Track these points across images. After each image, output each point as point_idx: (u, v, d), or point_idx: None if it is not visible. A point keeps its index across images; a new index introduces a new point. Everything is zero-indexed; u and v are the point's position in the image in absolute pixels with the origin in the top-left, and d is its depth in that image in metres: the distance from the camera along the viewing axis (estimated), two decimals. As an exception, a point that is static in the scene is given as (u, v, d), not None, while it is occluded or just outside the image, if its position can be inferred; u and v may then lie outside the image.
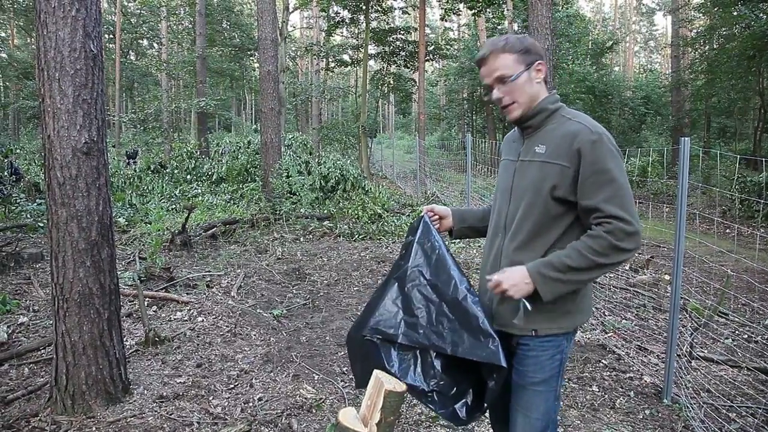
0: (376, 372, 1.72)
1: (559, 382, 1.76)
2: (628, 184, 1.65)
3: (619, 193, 1.61)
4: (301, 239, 7.96)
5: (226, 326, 4.37)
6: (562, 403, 3.26)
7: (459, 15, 23.56)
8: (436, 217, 2.01)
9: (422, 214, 1.97)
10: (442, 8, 19.76)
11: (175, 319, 4.54)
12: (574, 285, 1.63)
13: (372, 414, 1.66)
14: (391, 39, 20.45)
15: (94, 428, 2.87)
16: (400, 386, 1.66)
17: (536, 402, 1.73)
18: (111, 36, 22.56)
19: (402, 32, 20.84)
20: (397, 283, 1.82)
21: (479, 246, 7.38)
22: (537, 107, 1.74)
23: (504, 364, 1.63)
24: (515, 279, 1.63)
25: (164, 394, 3.23)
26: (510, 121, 1.78)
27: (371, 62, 22.01)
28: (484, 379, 1.71)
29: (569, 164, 1.64)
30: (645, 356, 3.98)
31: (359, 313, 1.91)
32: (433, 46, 21.59)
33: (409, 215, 9.41)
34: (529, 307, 1.66)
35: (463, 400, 1.73)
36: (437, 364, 1.73)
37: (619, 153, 1.67)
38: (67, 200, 2.89)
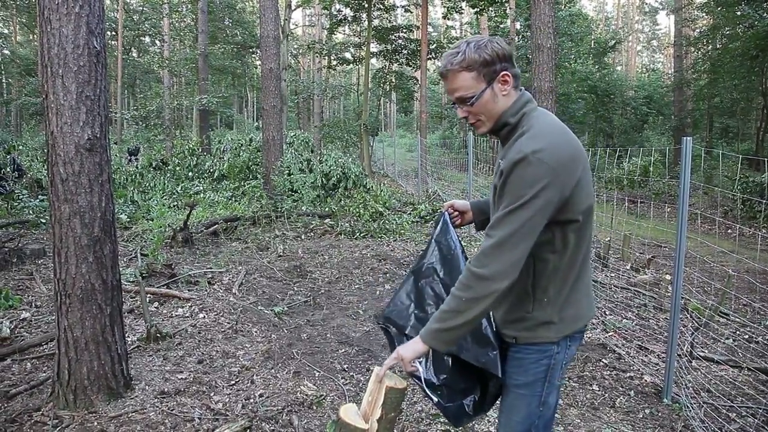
0: (376, 368, 1.74)
1: (546, 389, 1.68)
2: (532, 214, 1.45)
3: (507, 218, 1.47)
4: (303, 237, 7.97)
5: (228, 323, 4.38)
6: (562, 401, 3.27)
7: (461, 13, 23.52)
8: (456, 213, 1.99)
9: (443, 210, 1.96)
10: (444, 6, 19.74)
11: (176, 315, 4.56)
12: (459, 329, 1.55)
13: (373, 410, 1.67)
14: (393, 37, 20.40)
15: (95, 423, 2.88)
16: (401, 383, 1.68)
17: (518, 405, 1.69)
18: (113, 33, 22.56)
19: (404, 30, 20.79)
20: (413, 277, 1.86)
21: (479, 244, 7.38)
22: (501, 121, 1.63)
23: (500, 374, 1.66)
24: (407, 345, 1.63)
25: (165, 389, 3.24)
26: (479, 135, 1.76)
27: (373, 60, 21.98)
28: (487, 380, 1.73)
29: (498, 183, 1.57)
30: (645, 356, 3.98)
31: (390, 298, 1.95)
32: (435, 45, 21.50)
33: (410, 213, 9.41)
34: (422, 372, 1.67)
35: (472, 396, 1.75)
36: (447, 359, 1.75)
37: (555, 174, 1.45)
38: (70, 196, 2.90)
